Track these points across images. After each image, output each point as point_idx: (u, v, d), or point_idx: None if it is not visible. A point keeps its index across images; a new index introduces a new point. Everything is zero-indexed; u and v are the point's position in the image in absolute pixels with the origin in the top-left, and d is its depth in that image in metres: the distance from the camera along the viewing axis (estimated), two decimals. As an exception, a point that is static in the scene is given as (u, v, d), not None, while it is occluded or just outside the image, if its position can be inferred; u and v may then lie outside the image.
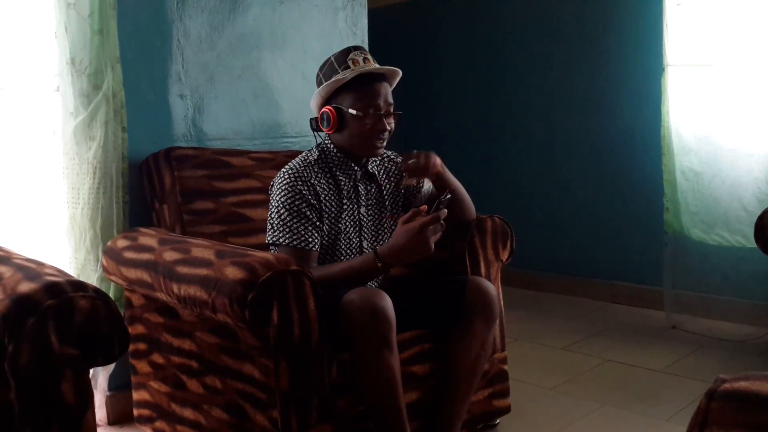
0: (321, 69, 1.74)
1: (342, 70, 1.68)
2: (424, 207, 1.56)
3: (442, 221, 1.53)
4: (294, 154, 2.20)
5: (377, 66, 1.71)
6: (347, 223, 1.76)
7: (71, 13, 1.84)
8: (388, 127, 1.71)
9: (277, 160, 2.15)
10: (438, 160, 1.75)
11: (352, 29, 2.57)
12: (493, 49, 3.82)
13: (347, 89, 1.68)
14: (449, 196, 1.58)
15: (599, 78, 3.40)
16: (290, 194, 1.66)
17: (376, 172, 1.85)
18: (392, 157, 1.90)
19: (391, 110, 1.72)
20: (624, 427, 2.01)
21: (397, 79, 1.76)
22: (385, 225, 1.85)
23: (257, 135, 2.33)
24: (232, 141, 2.27)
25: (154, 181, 1.99)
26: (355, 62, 1.68)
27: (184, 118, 2.17)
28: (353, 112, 1.67)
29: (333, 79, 1.68)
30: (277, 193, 1.68)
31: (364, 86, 1.68)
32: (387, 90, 1.72)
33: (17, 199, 1.95)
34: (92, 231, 1.91)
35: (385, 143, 1.74)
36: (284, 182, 1.68)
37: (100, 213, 1.91)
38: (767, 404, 0.71)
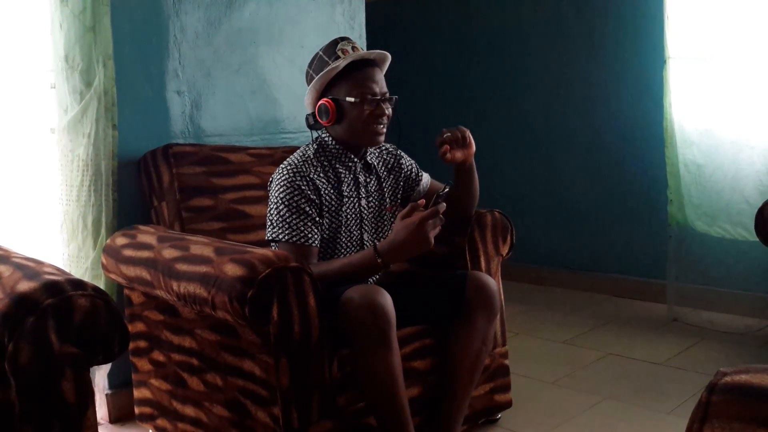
0: (310, 65, 1.74)
1: (333, 61, 1.67)
2: (423, 201, 1.55)
3: (441, 215, 1.53)
4: (293, 149, 2.19)
5: (367, 51, 1.71)
6: (348, 216, 1.76)
7: (65, 10, 1.84)
8: (387, 112, 1.70)
9: (276, 155, 2.15)
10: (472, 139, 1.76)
11: (350, 23, 2.56)
12: (492, 42, 3.81)
13: (341, 79, 1.68)
14: (447, 189, 1.57)
15: (600, 70, 3.38)
16: (289, 190, 1.66)
17: (375, 164, 1.84)
18: (390, 149, 1.90)
19: (387, 95, 1.71)
20: (625, 421, 2.01)
21: (387, 63, 1.76)
22: (385, 217, 1.84)
23: (255, 131, 2.33)
24: (230, 137, 2.26)
25: (153, 178, 1.98)
26: (344, 51, 1.68)
27: (181, 114, 2.16)
28: (351, 99, 1.67)
29: (325, 70, 1.67)
30: (276, 189, 1.68)
31: (357, 73, 1.67)
32: (380, 75, 1.71)
33: (12, 195, 1.96)
34: (83, 226, 1.92)
35: (384, 129, 1.73)
36: (283, 179, 1.68)
37: (91, 210, 1.91)
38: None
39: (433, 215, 1.51)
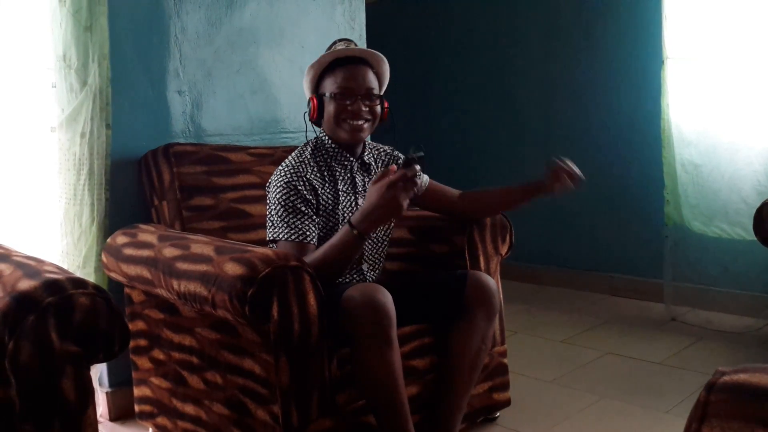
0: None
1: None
2: (394, 167, 1.54)
3: (417, 179, 1.49)
4: (293, 149, 2.19)
5: (350, 49, 1.71)
6: (344, 214, 1.76)
7: (63, 9, 1.85)
8: (364, 109, 1.70)
9: (276, 155, 2.15)
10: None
11: (350, 23, 2.56)
12: (491, 42, 3.82)
13: (328, 76, 1.70)
14: (421, 153, 1.51)
15: (598, 70, 3.39)
16: (285, 191, 1.67)
17: (372, 163, 1.84)
18: (388, 151, 1.90)
19: (372, 94, 1.71)
20: (623, 420, 2.02)
21: (383, 66, 1.76)
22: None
23: (256, 131, 2.33)
24: (230, 137, 2.27)
25: (153, 177, 1.99)
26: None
27: (182, 114, 2.17)
28: (327, 94, 1.69)
29: (310, 64, 1.70)
30: (274, 191, 1.69)
31: (339, 70, 1.69)
32: (366, 72, 1.71)
33: (12, 192, 1.97)
34: (78, 224, 1.93)
35: (365, 126, 1.71)
36: (280, 181, 1.69)
37: (85, 208, 1.92)
38: (766, 396, 0.71)
39: (402, 179, 1.48)
